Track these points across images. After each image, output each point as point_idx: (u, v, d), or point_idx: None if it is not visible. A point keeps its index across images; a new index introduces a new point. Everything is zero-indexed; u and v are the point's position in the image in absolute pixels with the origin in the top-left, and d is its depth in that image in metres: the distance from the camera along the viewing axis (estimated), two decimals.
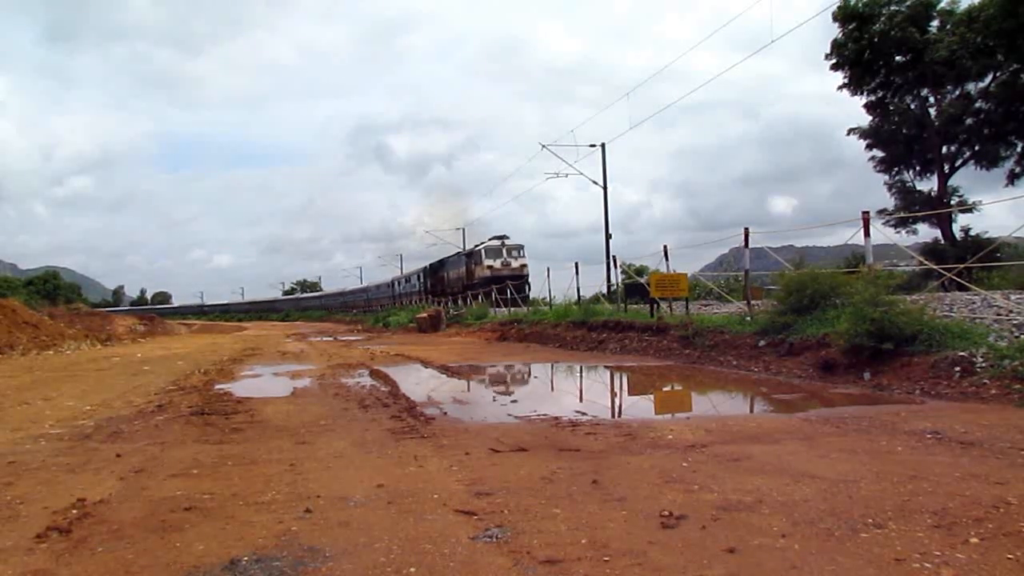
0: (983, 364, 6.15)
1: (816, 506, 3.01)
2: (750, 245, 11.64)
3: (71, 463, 4.39)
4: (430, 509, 3.16)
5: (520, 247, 36.96)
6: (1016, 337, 6.52)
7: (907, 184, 28.36)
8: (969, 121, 25.68)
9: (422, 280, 49.98)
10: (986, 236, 23.51)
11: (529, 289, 28.33)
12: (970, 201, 26.28)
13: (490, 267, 34.95)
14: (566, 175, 34.08)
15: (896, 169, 28.33)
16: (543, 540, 2.70)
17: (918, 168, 28.05)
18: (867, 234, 9.02)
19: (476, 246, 38.69)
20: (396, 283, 60.36)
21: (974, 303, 8.52)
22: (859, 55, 25.98)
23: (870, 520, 2.79)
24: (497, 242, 36.79)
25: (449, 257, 46.08)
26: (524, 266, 35.48)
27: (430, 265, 48.98)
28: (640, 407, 7.22)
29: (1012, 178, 26.03)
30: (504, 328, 19.24)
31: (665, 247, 14.62)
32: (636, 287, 16.85)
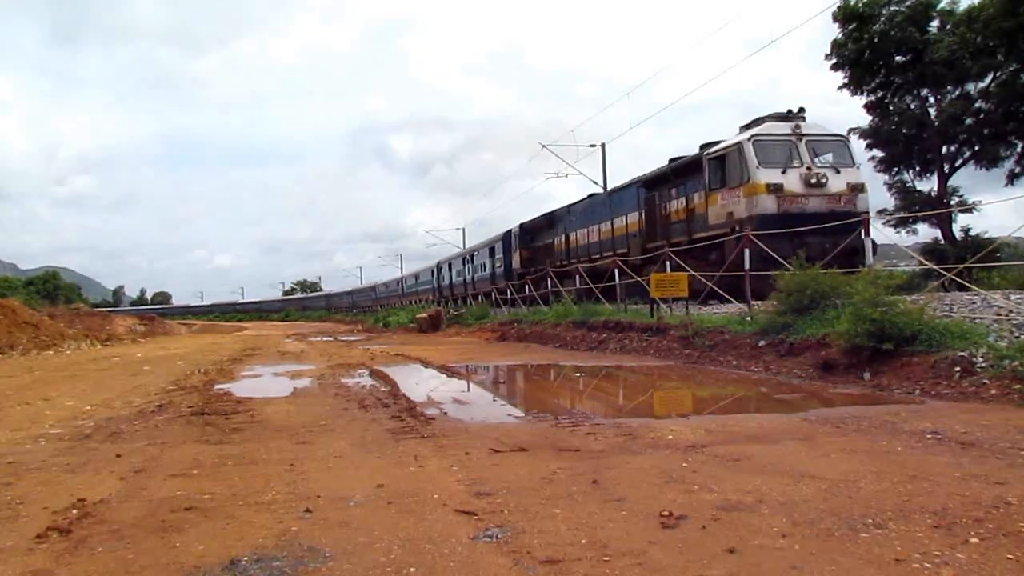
0: (983, 364, 6.14)
1: (816, 506, 3.01)
2: None
3: (71, 463, 4.39)
4: (430, 509, 3.16)
5: (841, 140, 15.58)
6: (1016, 337, 6.52)
7: (907, 184, 28.36)
8: (969, 121, 25.66)
9: (501, 256, 31.55)
10: (986, 236, 23.51)
11: (874, 250, 11.16)
12: (970, 201, 26.30)
13: (775, 188, 13.99)
14: (566, 175, 33.92)
15: (896, 169, 28.33)
16: (543, 540, 2.70)
17: (918, 168, 28.04)
18: (867, 234, 9.02)
19: (711, 148, 15.96)
20: (444, 268, 42.97)
21: (974, 303, 8.51)
22: (859, 55, 26.00)
23: (870, 520, 2.79)
24: (784, 127, 14.81)
25: (573, 205, 24.88)
26: (858, 188, 14.47)
27: (521, 227, 29.24)
28: (640, 407, 7.22)
29: (1012, 178, 26.02)
30: (504, 328, 19.24)
31: (665, 247, 14.61)
32: (636, 287, 16.85)
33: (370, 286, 69.96)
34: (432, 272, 46.48)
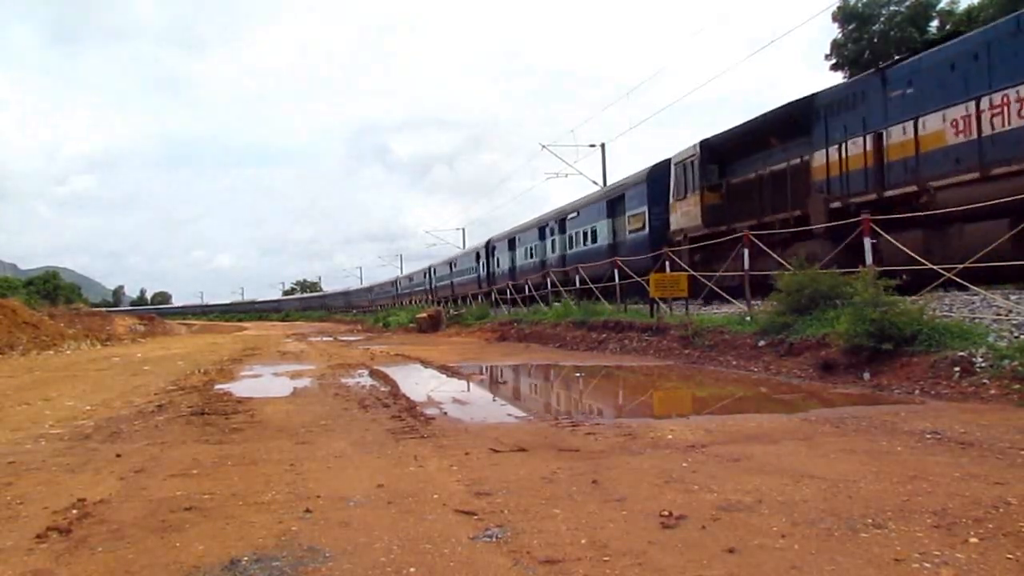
0: (983, 364, 6.14)
1: (816, 506, 3.01)
2: None
3: (71, 463, 4.39)
4: (430, 509, 3.16)
5: None
6: (1016, 337, 6.51)
7: None
8: None
9: (643, 210, 18.83)
10: None
11: None
12: None
13: None
14: (566, 175, 33.51)
15: None
16: (543, 540, 2.70)
17: None
18: (867, 234, 9.01)
19: None
20: (499, 249, 31.62)
21: (974, 303, 8.49)
22: (859, 55, 26.06)
23: (870, 520, 2.79)
24: None
25: (900, 64, 11.33)
26: None
27: (702, 148, 15.75)
28: (640, 407, 7.22)
29: None
30: (504, 328, 19.24)
31: (666, 247, 14.62)
32: (636, 286, 16.84)
33: (390, 281, 62.98)
34: (476, 257, 34.94)
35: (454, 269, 40.41)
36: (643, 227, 18.86)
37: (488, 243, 33.90)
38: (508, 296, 22.47)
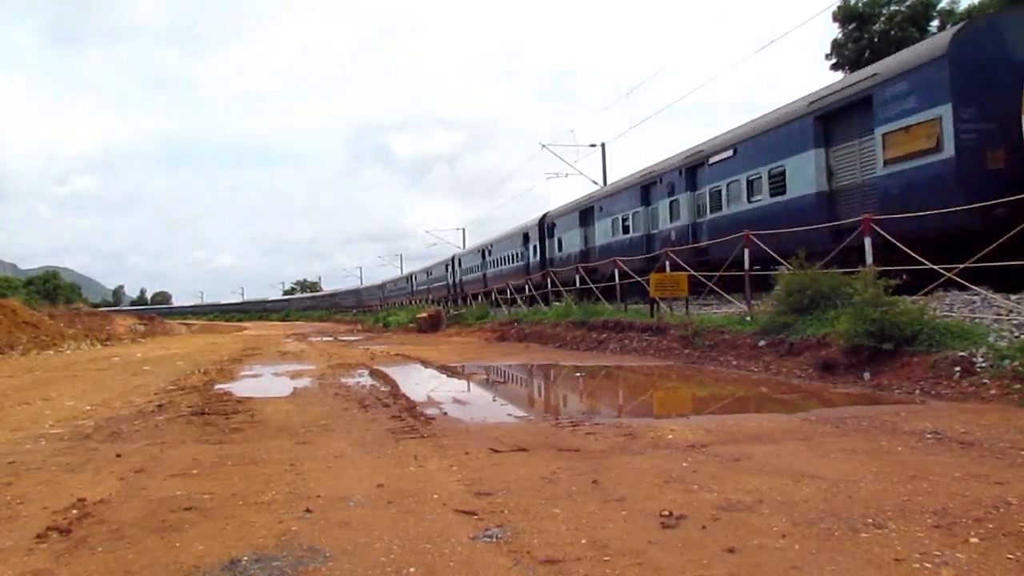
0: (983, 364, 6.14)
1: (816, 506, 3.01)
2: None
3: (71, 463, 4.39)
4: (430, 509, 3.16)
5: None
6: (1016, 337, 6.51)
7: None
8: None
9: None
10: None
11: None
12: None
13: None
14: (566, 175, 33.27)
15: None
16: (543, 540, 2.70)
17: None
18: (867, 234, 9.01)
19: None
20: (560, 226, 24.55)
21: (974, 303, 8.49)
22: (859, 55, 26.05)
23: (870, 520, 2.79)
24: None
25: None
26: None
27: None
28: (640, 407, 7.22)
29: None
30: (504, 328, 19.24)
31: (666, 248, 14.60)
32: (636, 286, 16.82)
33: (404, 277, 57.89)
34: (524, 239, 27.28)
35: (488, 257, 32.57)
36: (936, 147, 9.94)
37: (543, 219, 25.56)
38: (577, 286, 16.46)
